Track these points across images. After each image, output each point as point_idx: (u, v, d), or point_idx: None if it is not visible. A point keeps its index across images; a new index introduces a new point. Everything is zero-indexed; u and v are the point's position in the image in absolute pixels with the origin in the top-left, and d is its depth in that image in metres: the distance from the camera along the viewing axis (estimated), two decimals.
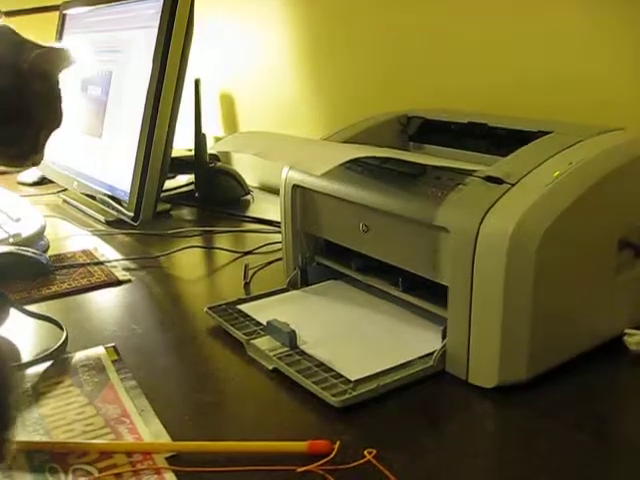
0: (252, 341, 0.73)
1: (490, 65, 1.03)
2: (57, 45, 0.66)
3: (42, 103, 0.62)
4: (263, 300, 0.84)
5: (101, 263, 1.03)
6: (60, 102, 0.66)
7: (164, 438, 0.58)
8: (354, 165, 0.77)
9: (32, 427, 0.60)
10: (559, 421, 0.60)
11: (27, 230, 1.09)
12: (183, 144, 1.45)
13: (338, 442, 0.55)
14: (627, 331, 0.71)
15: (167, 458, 0.55)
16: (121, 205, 1.22)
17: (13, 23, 0.70)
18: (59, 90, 0.65)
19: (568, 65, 0.93)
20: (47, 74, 0.63)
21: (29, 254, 0.98)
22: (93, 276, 0.98)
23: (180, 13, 1.14)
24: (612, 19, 0.87)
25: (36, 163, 0.67)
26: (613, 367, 0.69)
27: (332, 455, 0.54)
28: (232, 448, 0.57)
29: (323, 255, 0.88)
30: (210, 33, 1.60)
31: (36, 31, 0.73)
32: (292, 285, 0.88)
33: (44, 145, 0.65)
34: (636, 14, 0.84)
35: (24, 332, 0.80)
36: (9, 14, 1.43)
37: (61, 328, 0.77)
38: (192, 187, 1.41)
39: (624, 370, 0.69)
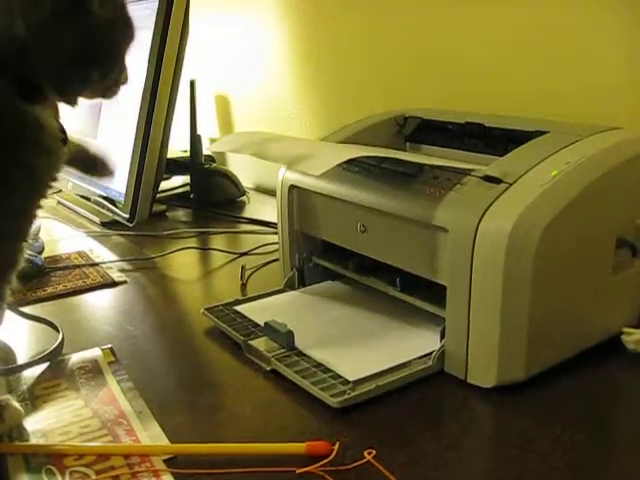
0: (250, 342, 0.73)
1: (489, 66, 1.03)
2: None
3: (118, 26, 0.60)
4: (260, 301, 0.84)
5: (96, 264, 1.03)
6: (128, 13, 0.62)
7: (162, 440, 0.58)
8: (351, 165, 0.77)
9: (29, 430, 0.59)
10: (558, 420, 0.60)
11: None
12: (178, 145, 1.45)
13: (337, 443, 0.55)
14: (625, 330, 0.71)
15: (165, 460, 0.55)
16: (116, 206, 1.21)
17: None
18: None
19: (567, 67, 0.92)
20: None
21: None
22: (88, 277, 0.97)
23: (175, 14, 1.14)
24: (612, 22, 0.87)
25: (125, 81, 0.65)
26: (611, 366, 0.69)
27: (331, 456, 0.54)
28: (230, 450, 0.56)
29: (320, 256, 0.88)
30: (205, 34, 1.60)
31: None
32: (289, 286, 0.88)
33: (125, 60, 0.64)
34: (635, 17, 0.85)
35: (20, 334, 0.79)
36: None
37: (57, 330, 0.77)
38: (187, 188, 1.40)
39: (622, 369, 0.69)
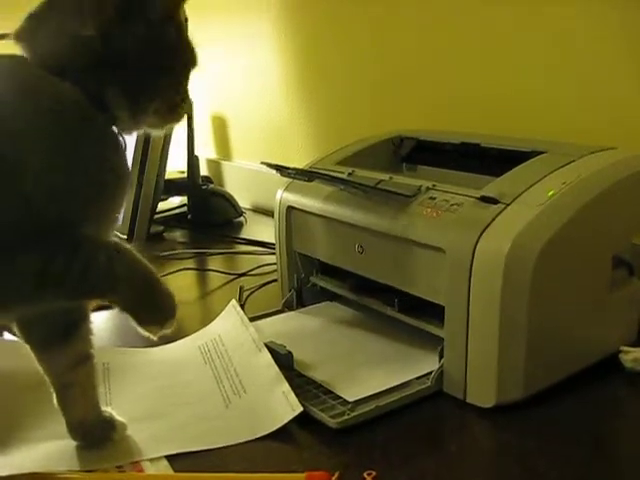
0: None
1: (484, 83, 1.03)
2: None
3: (180, 43, 0.62)
4: (258, 322, 0.84)
5: None
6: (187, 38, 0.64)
7: (163, 465, 0.58)
8: (349, 186, 0.77)
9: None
10: (557, 439, 0.60)
11: None
12: (176, 166, 1.45)
13: (337, 473, 0.54)
14: (622, 348, 0.71)
15: None
16: None
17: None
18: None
19: (563, 86, 0.93)
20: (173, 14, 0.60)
21: None
22: None
23: None
24: (610, 36, 0.88)
25: (188, 110, 0.65)
26: (609, 385, 0.69)
27: None
28: None
29: (318, 276, 0.88)
30: (201, 55, 1.61)
31: None
32: (287, 306, 0.88)
33: (188, 87, 0.64)
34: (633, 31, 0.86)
35: None
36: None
37: None
38: (185, 209, 1.41)
39: (620, 387, 0.69)
